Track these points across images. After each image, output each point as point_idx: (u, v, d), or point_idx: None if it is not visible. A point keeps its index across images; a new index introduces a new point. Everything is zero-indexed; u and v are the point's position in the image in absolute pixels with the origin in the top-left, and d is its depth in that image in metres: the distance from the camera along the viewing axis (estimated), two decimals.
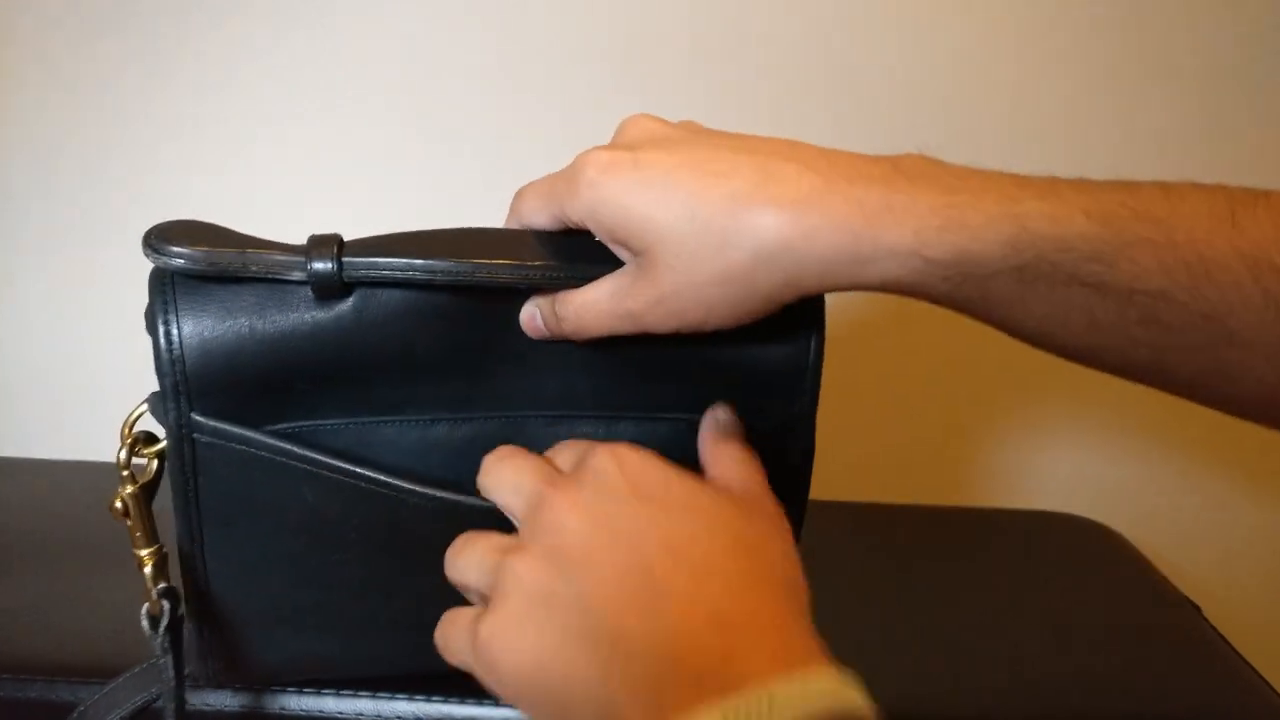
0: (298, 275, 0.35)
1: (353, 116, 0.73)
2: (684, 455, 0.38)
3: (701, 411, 0.40)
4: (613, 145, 0.36)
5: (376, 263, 0.35)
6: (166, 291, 0.36)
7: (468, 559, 0.32)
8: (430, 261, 0.35)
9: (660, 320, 0.34)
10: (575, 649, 0.28)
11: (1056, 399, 0.78)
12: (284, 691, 0.44)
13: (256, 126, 0.73)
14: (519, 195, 0.39)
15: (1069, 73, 0.71)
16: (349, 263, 0.35)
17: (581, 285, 0.36)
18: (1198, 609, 0.58)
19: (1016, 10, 0.70)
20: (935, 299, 0.32)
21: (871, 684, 0.49)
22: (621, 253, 0.35)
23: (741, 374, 0.40)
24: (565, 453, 0.35)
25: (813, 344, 0.40)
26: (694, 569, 0.28)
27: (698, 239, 0.32)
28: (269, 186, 0.74)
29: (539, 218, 0.37)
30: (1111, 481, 0.79)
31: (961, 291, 0.31)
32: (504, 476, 0.34)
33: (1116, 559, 0.65)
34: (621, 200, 0.33)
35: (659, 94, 0.71)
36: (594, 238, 0.36)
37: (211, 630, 0.41)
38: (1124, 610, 0.58)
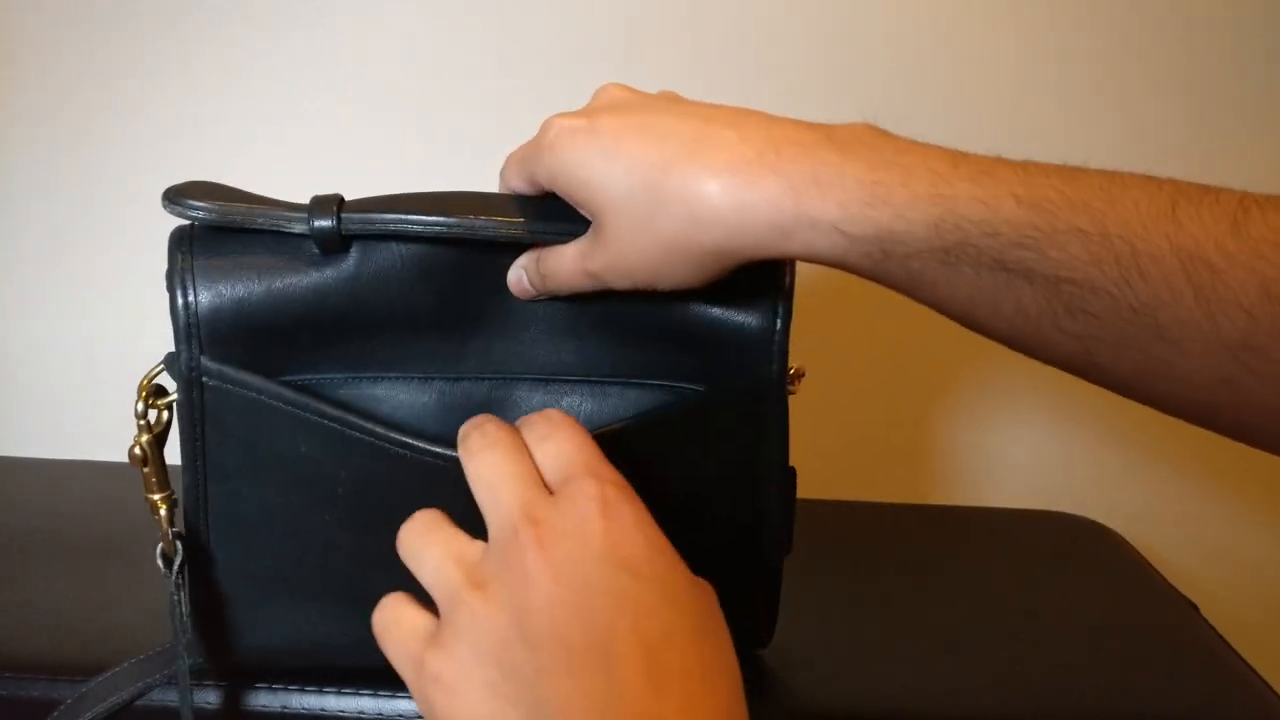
0: (300, 228, 0.38)
1: (353, 116, 0.73)
2: (670, 421, 0.41)
3: (685, 379, 0.42)
4: (578, 111, 0.37)
5: (372, 218, 0.37)
6: (184, 244, 0.39)
7: (426, 556, 0.31)
8: (424, 216, 0.37)
9: (617, 280, 0.36)
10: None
11: (1057, 399, 0.78)
12: (284, 690, 0.44)
13: (257, 126, 0.73)
14: (506, 162, 0.40)
15: (1069, 72, 0.71)
16: (348, 218, 0.38)
17: (559, 241, 0.38)
18: (1195, 608, 0.59)
19: (1017, 9, 0.70)
20: (859, 273, 0.32)
21: (871, 684, 0.50)
22: (585, 215, 0.37)
23: (717, 338, 0.41)
24: (549, 446, 0.31)
25: (779, 309, 0.41)
26: (656, 674, 0.26)
27: (636, 203, 0.33)
28: (269, 186, 0.74)
29: (517, 182, 0.39)
30: (1111, 481, 0.79)
31: (883, 268, 0.31)
32: (484, 471, 0.31)
33: (1115, 559, 0.65)
34: (574, 164, 0.35)
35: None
36: None
37: (210, 601, 0.42)
38: (1122, 610, 0.58)
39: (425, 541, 0.31)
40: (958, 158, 0.31)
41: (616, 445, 0.34)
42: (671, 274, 0.34)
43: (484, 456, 0.32)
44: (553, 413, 0.33)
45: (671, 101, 0.37)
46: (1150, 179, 0.30)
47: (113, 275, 0.76)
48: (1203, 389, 0.29)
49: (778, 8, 0.70)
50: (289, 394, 0.39)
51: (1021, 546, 0.67)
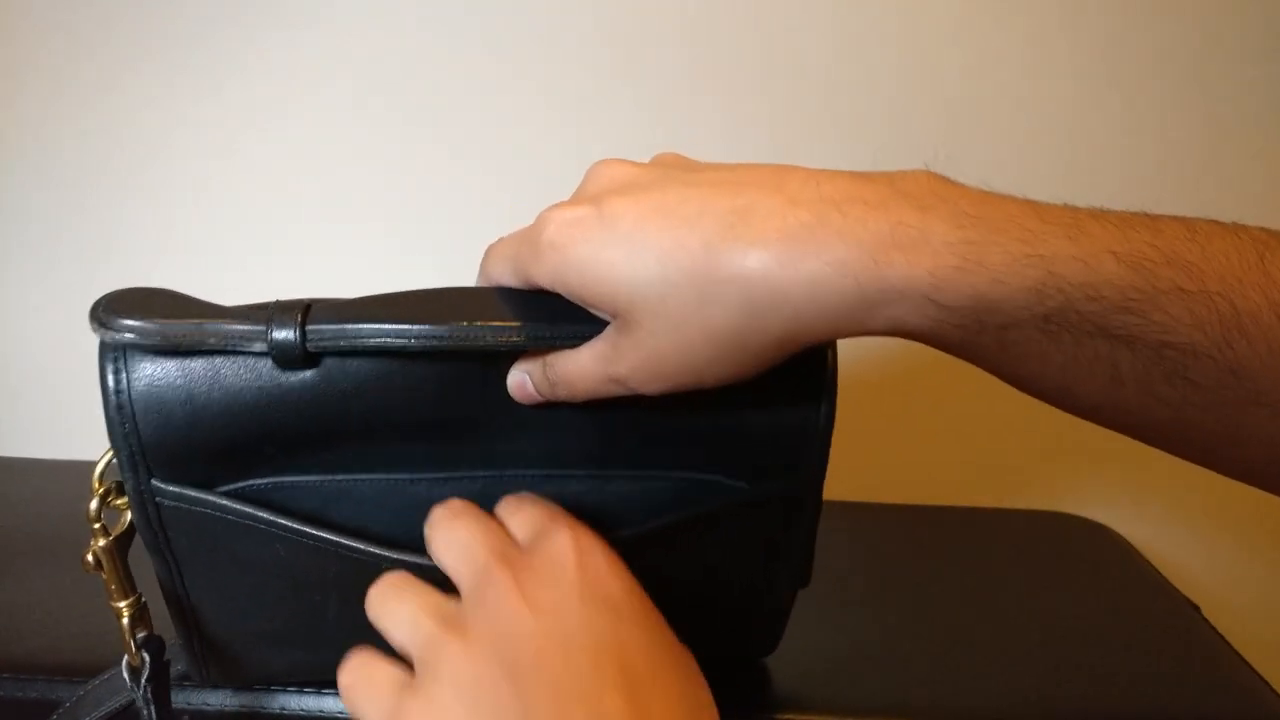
0: (259, 347, 0.32)
1: (354, 117, 0.73)
2: (682, 510, 0.37)
3: (700, 469, 0.37)
4: (576, 198, 0.32)
5: (344, 330, 0.32)
6: (117, 362, 0.35)
7: (398, 613, 0.30)
8: (403, 326, 0.31)
9: (648, 384, 0.31)
10: None
11: None
12: (284, 691, 0.44)
13: (253, 127, 0.73)
14: (487, 254, 0.36)
15: (1073, 73, 0.71)
16: (314, 331, 0.32)
17: (568, 345, 0.33)
18: (1197, 609, 0.58)
19: (1022, 10, 0.70)
20: (946, 347, 0.29)
21: (871, 684, 0.50)
22: (600, 314, 0.32)
23: (744, 434, 0.36)
24: (521, 516, 0.32)
25: (822, 405, 0.35)
26: (641, 709, 0.26)
27: (676, 298, 0.28)
28: (270, 185, 0.74)
29: (506, 281, 0.34)
30: (1111, 481, 0.79)
31: (977, 340, 0.28)
32: (453, 536, 0.31)
33: (1116, 559, 0.65)
34: (587, 263, 0.29)
35: (661, 95, 0.71)
36: None
37: (201, 641, 0.41)
38: (1123, 610, 0.58)
39: (397, 597, 0.30)
40: (1042, 210, 0.28)
41: (633, 548, 0.33)
42: (720, 371, 0.30)
43: (453, 524, 0.32)
44: (520, 494, 0.34)
45: (685, 169, 0.32)
46: (1221, 225, 0.28)
47: (114, 276, 0.76)
48: None
49: (778, 9, 0.70)
50: (256, 513, 0.35)
51: (1021, 546, 0.67)
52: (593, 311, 0.32)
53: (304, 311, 0.32)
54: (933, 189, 0.28)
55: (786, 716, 0.45)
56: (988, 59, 0.71)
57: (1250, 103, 0.71)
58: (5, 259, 0.76)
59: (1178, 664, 0.52)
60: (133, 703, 0.40)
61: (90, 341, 0.82)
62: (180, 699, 0.43)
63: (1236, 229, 0.28)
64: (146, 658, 0.37)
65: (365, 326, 0.32)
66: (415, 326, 0.31)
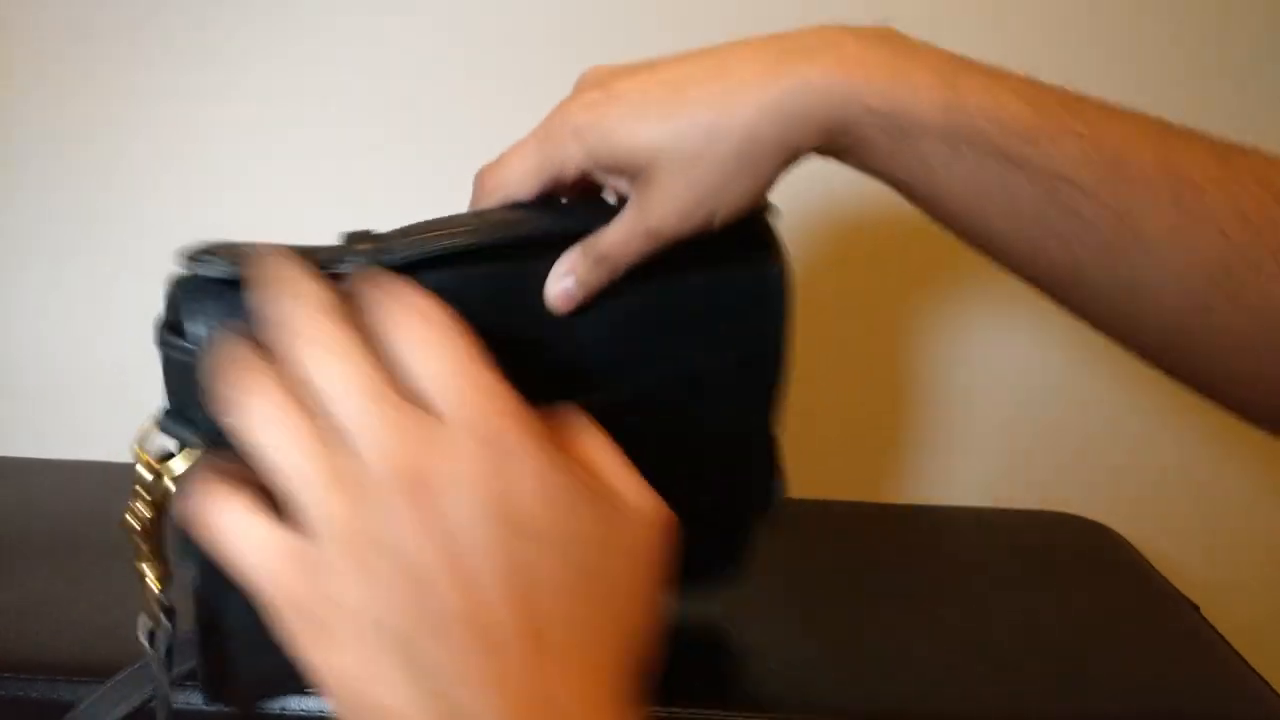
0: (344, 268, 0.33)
1: (355, 119, 0.73)
2: (671, 412, 0.40)
3: (682, 363, 0.41)
4: (580, 91, 0.37)
5: (413, 240, 0.35)
6: (192, 300, 0.34)
7: (272, 426, 0.24)
8: (468, 226, 0.35)
9: (679, 224, 0.35)
10: (403, 693, 0.23)
11: (1058, 398, 0.78)
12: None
13: (261, 130, 0.73)
14: (492, 173, 0.38)
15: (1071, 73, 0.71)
16: (383, 248, 0.35)
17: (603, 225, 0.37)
18: (1196, 609, 0.59)
19: (1021, 11, 0.70)
20: (880, 154, 0.34)
21: (871, 684, 0.50)
22: (624, 186, 0.37)
23: (710, 312, 0.41)
24: (418, 353, 0.25)
25: (772, 265, 0.41)
26: (546, 649, 0.24)
27: (686, 140, 0.34)
28: (270, 185, 0.74)
29: (528, 183, 0.37)
30: (1111, 481, 0.79)
31: (899, 148, 0.33)
32: (324, 364, 0.24)
33: (1116, 559, 0.65)
34: (613, 132, 0.34)
35: None
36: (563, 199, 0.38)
37: (214, 638, 0.38)
38: (1123, 610, 0.58)
39: (279, 426, 0.24)
40: (968, 60, 0.34)
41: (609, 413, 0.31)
42: (730, 198, 0.35)
43: (319, 358, 0.24)
44: (421, 303, 0.25)
45: (661, 59, 0.37)
46: (1146, 116, 0.32)
47: (115, 276, 0.76)
48: (1180, 312, 0.31)
49: (777, 7, 0.70)
50: None
51: (1021, 546, 0.67)
52: (617, 184, 0.37)
53: (372, 238, 0.35)
54: (881, 34, 0.34)
55: (785, 716, 0.46)
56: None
57: (1260, 90, 0.71)
58: (6, 260, 0.76)
59: (1177, 664, 0.52)
60: (151, 699, 0.39)
61: (91, 342, 0.82)
62: (181, 699, 0.43)
63: (1158, 120, 0.32)
64: (166, 622, 0.36)
65: (433, 234, 0.35)
66: (482, 223, 0.35)
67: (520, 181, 0.37)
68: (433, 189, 0.74)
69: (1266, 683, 0.51)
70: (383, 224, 0.70)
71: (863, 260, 0.73)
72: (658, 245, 0.36)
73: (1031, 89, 0.32)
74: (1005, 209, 0.32)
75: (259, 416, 0.24)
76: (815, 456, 0.85)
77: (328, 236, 0.75)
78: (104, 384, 0.78)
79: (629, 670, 0.25)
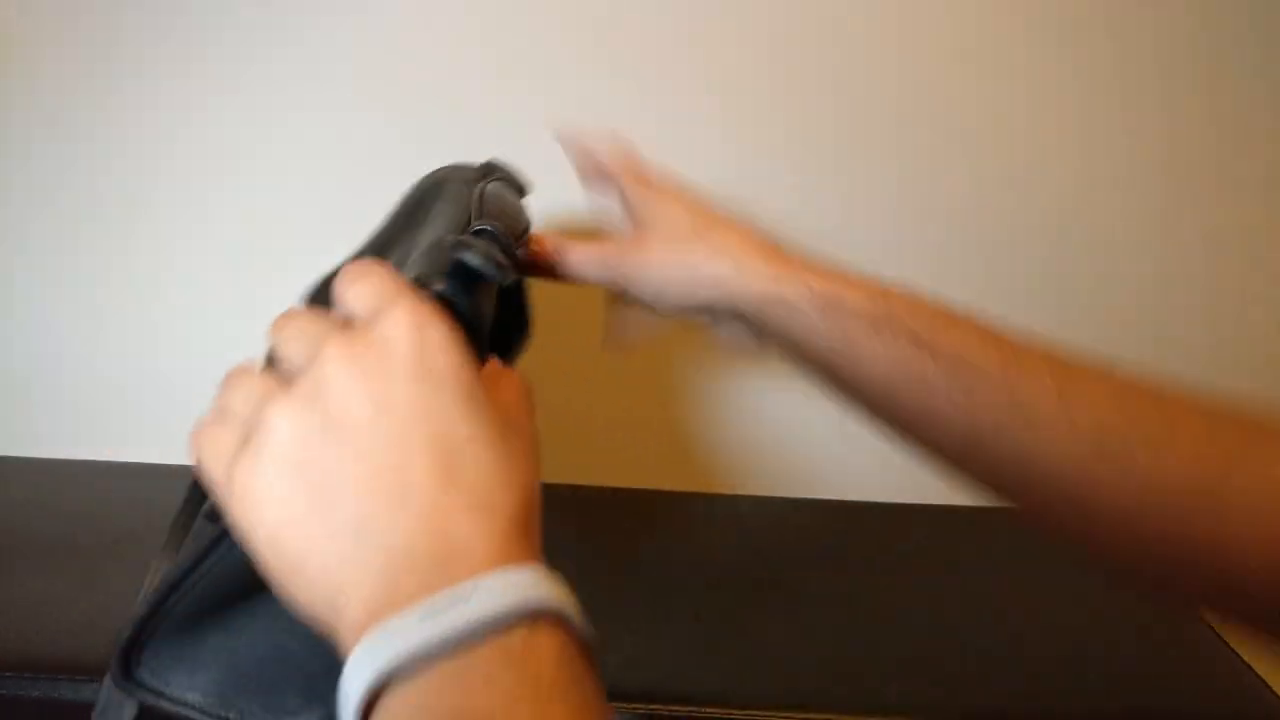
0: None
1: (355, 120, 0.73)
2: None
3: None
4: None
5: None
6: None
7: (238, 389, 0.30)
8: None
9: (630, 272, 0.46)
10: (318, 525, 0.27)
11: None
12: None
13: (256, 130, 0.73)
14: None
15: (1067, 73, 0.71)
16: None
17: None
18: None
19: (1019, 11, 0.70)
20: (809, 326, 0.41)
21: (871, 682, 0.50)
22: (616, 208, 0.47)
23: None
24: (359, 288, 0.31)
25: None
26: (451, 476, 0.28)
27: (680, 226, 0.45)
28: (270, 184, 0.74)
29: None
30: None
31: (828, 322, 0.40)
32: (290, 327, 0.31)
33: None
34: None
35: (666, 97, 0.71)
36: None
37: (156, 618, 0.36)
38: (1122, 610, 0.58)
39: (239, 376, 0.31)
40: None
41: None
42: (669, 290, 0.45)
43: (289, 318, 0.31)
44: (364, 262, 0.32)
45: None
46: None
47: (116, 277, 0.76)
48: (1064, 478, 0.35)
49: (778, 7, 0.70)
50: None
51: (1021, 546, 0.67)
52: (618, 206, 0.48)
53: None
54: (809, 262, 0.43)
55: (784, 715, 0.46)
56: (983, 56, 0.71)
57: (1258, 93, 0.71)
58: (8, 261, 0.76)
59: (1176, 664, 0.52)
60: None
61: (91, 342, 0.82)
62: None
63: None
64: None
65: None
66: None
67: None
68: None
69: (1265, 683, 0.51)
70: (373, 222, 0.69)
71: (866, 266, 0.73)
72: (608, 269, 0.46)
73: (943, 305, 0.39)
74: (915, 385, 0.38)
75: (284, 330, 0.31)
76: (817, 455, 0.85)
77: (327, 233, 0.74)
78: (103, 384, 0.78)
79: (525, 520, 0.28)
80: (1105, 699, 0.48)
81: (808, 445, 0.80)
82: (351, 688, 0.25)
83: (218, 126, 0.74)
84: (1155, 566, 0.34)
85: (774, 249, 0.43)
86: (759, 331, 0.43)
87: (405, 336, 0.29)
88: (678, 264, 0.44)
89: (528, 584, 0.26)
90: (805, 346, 0.42)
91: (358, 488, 0.27)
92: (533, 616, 0.25)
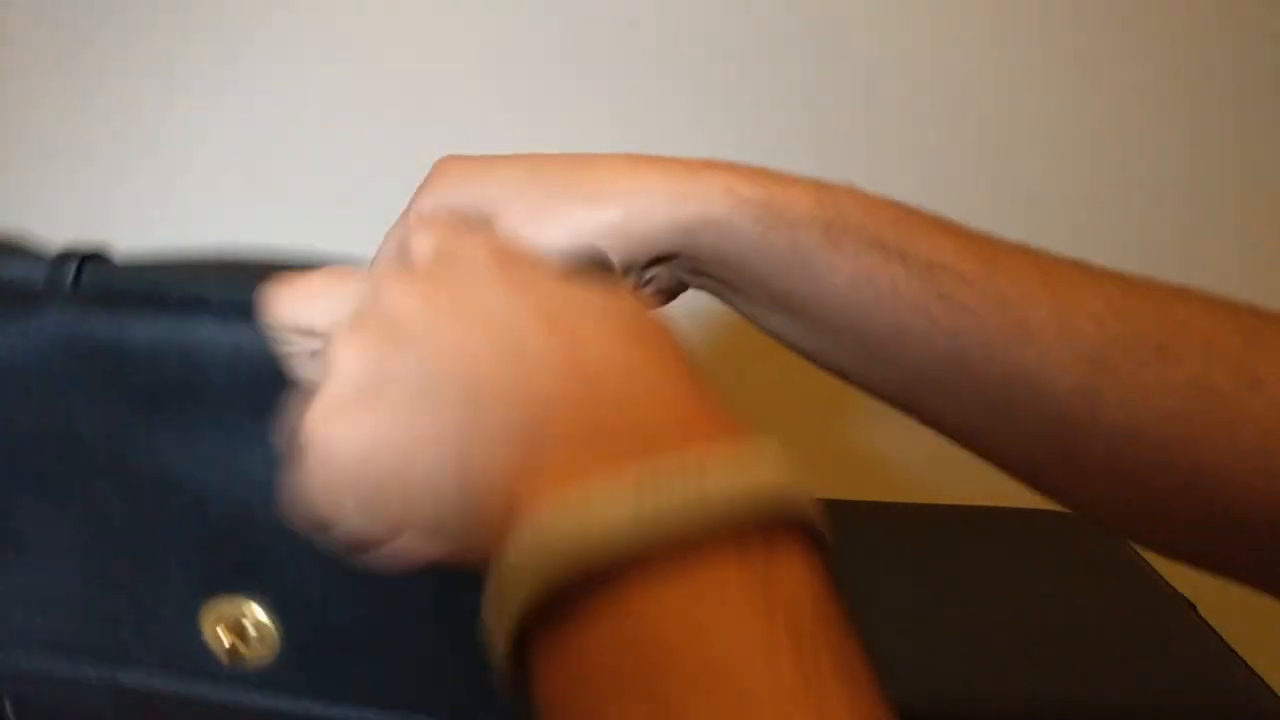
0: None
1: (355, 120, 0.73)
2: None
3: None
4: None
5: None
6: None
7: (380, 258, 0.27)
8: None
9: None
10: (419, 409, 0.21)
11: None
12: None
13: (255, 131, 0.74)
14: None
15: (1062, 72, 0.71)
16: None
17: None
18: (1193, 606, 0.59)
19: (1015, 10, 0.70)
20: (748, 247, 0.31)
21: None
22: None
23: None
24: (425, 239, 0.26)
25: None
26: (576, 341, 0.21)
27: (534, 193, 0.32)
28: (270, 184, 0.75)
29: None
30: None
31: (771, 237, 0.31)
32: (430, 229, 0.26)
33: (1112, 557, 0.66)
34: (466, 176, 0.34)
35: (667, 98, 0.72)
36: None
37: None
38: (1119, 608, 0.58)
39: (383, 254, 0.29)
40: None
41: None
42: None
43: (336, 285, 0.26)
44: (445, 222, 0.27)
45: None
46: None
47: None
48: (1062, 400, 0.30)
49: (778, 8, 0.70)
50: None
51: (1021, 546, 0.67)
52: None
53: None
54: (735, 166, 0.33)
55: None
56: (980, 57, 0.71)
57: (1246, 90, 0.71)
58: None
59: (1173, 661, 0.52)
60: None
61: None
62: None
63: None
64: None
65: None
66: None
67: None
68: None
69: (1261, 679, 0.51)
70: (381, 225, 0.69)
71: None
72: None
73: (895, 201, 0.32)
74: (885, 298, 0.31)
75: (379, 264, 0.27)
76: (816, 455, 0.85)
77: (327, 232, 0.75)
78: None
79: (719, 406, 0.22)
80: (1103, 695, 0.48)
81: (802, 445, 0.80)
82: (509, 593, 0.17)
83: (220, 126, 0.74)
84: (1145, 501, 0.31)
85: (659, 161, 0.32)
86: (686, 269, 0.33)
87: (482, 254, 0.24)
88: (547, 240, 0.31)
89: (765, 467, 0.18)
90: (744, 272, 0.32)
91: (459, 361, 0.21)
92: (782, 518, 0.18)
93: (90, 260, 0.28)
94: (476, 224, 0.27)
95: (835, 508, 0.68)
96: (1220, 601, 0.62)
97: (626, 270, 0.32)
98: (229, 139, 0.74)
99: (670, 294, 0.35)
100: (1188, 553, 0.33)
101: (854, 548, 0.65)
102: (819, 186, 0.32)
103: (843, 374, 0.35)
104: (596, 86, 0.72)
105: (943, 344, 0.31)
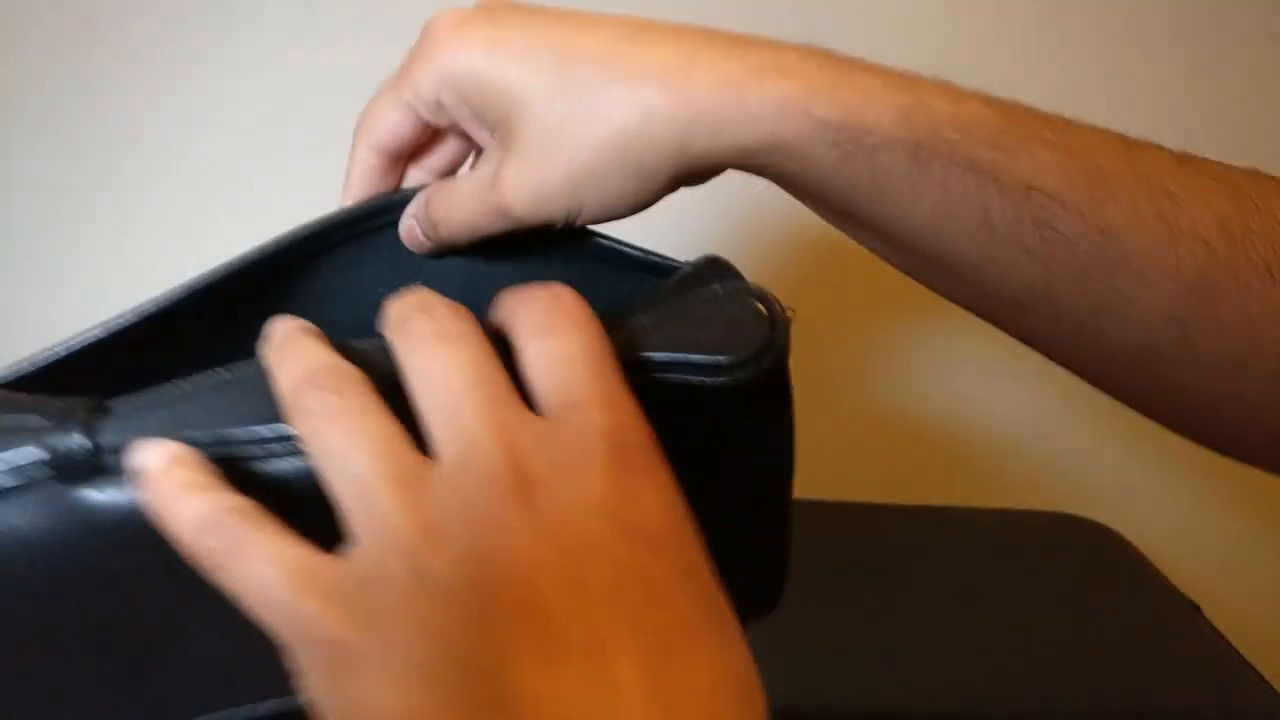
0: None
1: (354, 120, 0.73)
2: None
3: None
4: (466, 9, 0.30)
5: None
6: None
7: (347, 446, 0.21)
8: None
9: (530, 207, 0.28)
10: None
11: (1059, 398, 0.78)
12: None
13: (253, 129, 0.73)
14: (363, 117, 0.32)
15: (1060, 72, 0.71)
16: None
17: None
18: (1198, 609, 0.58)
19: (1013, 9, 0.70)
20: (823, 175, 0.28)
21: (871, 684, 0.50)
22: (483, 135, 0.30)
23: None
24: (552, 350, 0.22)
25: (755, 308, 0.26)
26: (661, 681, 0.19)
27: (567, 98, 0.27)
28: (267, 184, 0.74)
29: (391, 116, 0.31)
30: (1111, 481, 0.79)
31: (850, 165, 0.27)
32: (434, 364, 0.22)
33: (1116, 559, 0.65)
34: (476, 58, 0.28)
35: None
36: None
37: None
38: (1124, 610, 0.58)
39: (346, 425, 0.21)
40: (919, 74, 0.29)
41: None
42: (600, 194, 0.28)
43: (438, 352, 0.22)
44: (564, 293, 0.23)
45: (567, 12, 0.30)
46: (1103, 127, 0.29)
47: (119, 274, 0.76)
48: (1154, 329, 0.28)
49: (782, 7, 0.70)
50: None
51: (1024, 548, 0.66)
52: (478, 132, 0.30)
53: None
54: (821, 49, 0.29)
55: (783, 715, 0.45)
56: (976, 56, 0.71)
57: (1246, 83, 0.71)
58: (10, 260, 0.76)
59: (1179, 664, 0.52)
60: None
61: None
62: None
63: (1102, 127, 0.29)
64: None
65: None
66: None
67: (383, 114, 0.31)
68: None
69: (1267, 683, 0.51)
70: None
71: (865, 265, 0.73)
72: (505, 226, 0.29)
73: (993, 100, 0.28)
74: (974, 228, 0.28)
75: (324, 412, 0.21)
76: (815, 456, 0.84)
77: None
78: None
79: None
80: (1106, 699, 0.48)
81: (802, 445, 0.80)
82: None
83: (218, 126, 0.74)
84: (1238, 430, 0.29)
85: (720, 53, 0.27)
86: (749, 168, 0.29)
87: (601, 464, 0.20)
88: (590, 149, 0.27)
89: None
90: (816, 194, 0.29)
91: (531, 684, 0.18)
92: None
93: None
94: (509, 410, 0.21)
95: (835, 508, 0.68)
96: (1226, 604, 0.61)
97: (678, 185, 0.29)
98: (219, 137, 0.73)
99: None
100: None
101: (854, 548, 0.65)
102: (910, 95, 0.27)
103: (922, 282, 0.32)
104: None
105: (1031, 272, 0.28)
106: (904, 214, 0.28)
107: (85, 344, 0.28)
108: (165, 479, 0.22)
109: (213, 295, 0.29)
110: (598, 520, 0.20)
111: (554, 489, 0.20)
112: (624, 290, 0.30)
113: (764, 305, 0.26)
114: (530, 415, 0.21)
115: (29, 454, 0.23)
